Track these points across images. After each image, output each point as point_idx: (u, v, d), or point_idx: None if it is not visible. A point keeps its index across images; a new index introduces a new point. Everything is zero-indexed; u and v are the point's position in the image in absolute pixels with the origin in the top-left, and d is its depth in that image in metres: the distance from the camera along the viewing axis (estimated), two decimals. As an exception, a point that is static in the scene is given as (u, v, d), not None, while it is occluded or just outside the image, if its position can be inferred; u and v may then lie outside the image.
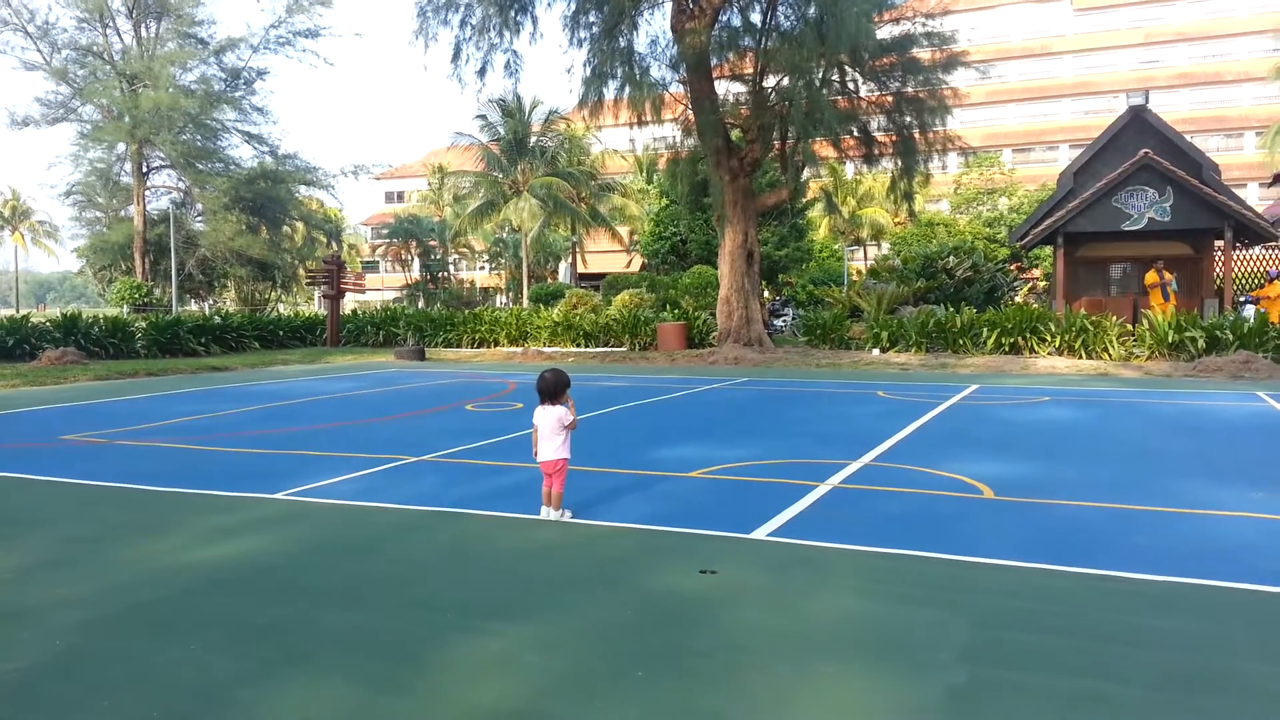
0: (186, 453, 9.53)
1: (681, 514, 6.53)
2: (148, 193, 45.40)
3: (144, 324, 25.87)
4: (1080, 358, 19.92)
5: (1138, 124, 25.90)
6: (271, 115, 48.79)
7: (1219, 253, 25.92)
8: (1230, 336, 18.88)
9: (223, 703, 3.57)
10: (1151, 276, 23.33)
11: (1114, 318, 20.94)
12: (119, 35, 44.34)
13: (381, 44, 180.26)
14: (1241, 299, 24.60)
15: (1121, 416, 11.70)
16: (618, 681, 3.73)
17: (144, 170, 44.78)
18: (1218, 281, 25.86)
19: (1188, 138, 27.89)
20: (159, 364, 22.06)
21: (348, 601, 4.77)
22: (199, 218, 47.76)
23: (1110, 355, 19.75)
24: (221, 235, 44.26)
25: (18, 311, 34.83)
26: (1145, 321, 20.40)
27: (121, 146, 44.28)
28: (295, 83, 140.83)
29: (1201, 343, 19.00)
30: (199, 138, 44.96)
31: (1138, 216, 24.40)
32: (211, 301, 51.24)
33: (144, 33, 44.54)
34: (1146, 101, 26.72)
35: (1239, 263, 28.96)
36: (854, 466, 8.22)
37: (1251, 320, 19.69)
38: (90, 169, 45.73)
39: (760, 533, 5.98)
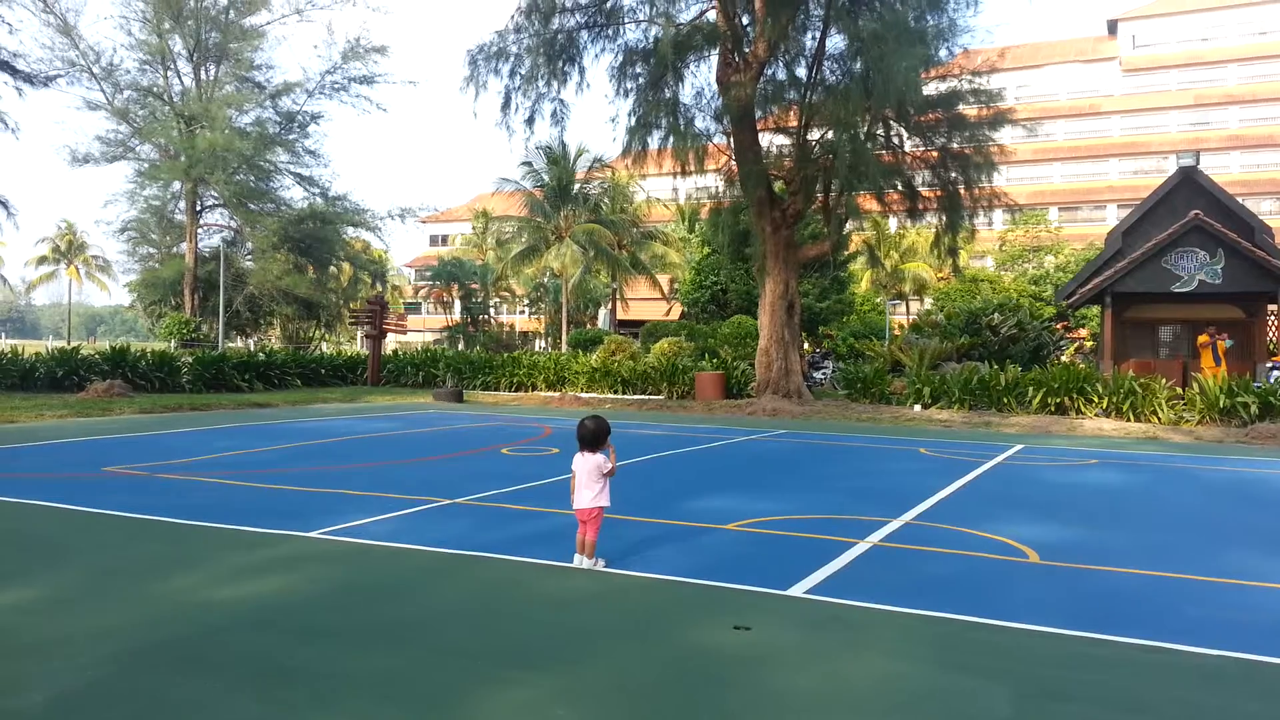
0: (225, 488, 9.58)
1: (717, 567, 6.41)
2: (200, 231, 46.44)
3: (190, 359, 26.30)
4: (1128, 420, 19.48)
5: (1188, 185, 25.60)
6: (323, 158, 49.99)
7: (1273, 317, 25.38)
8: (1285, 403, 18.38)
9: (245, 745, 3.51)
10: (1205, 338, 22.81)
11: (1163, 380, 20.48)
12: (179, 77, 45.78)
13: (432, 90, 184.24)
14: (1269, 365, 23.85)
15: (1172, 482, 11.40)
16: (646, 740, 3.62)
17: (197, 209, 45.84)
18: (1271, 346, 25.28)
19: (1239, 200, 27.49)
20: (203, 399, 22.37)
21: (375, 645, 4.72)
22: (248, 256, 48.71)
23: (1159, 419, 19.30)
24: (270, 274, 45.10)
25: (69, 343, 35.56)
26: (1196, 385, 19.93)
27: (177, 185, 45.42)
28: (347, 125, 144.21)
29: (1255, 408, 18.52)
30: (252, 178, 45.99)
31: (1188, 278, 24.01)
32: (257, 338, 52.02)
33: (204, 75, 45.89)
34: (1197, 163, 26.42)
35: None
36: (895, 524, 8.04)
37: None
38: (145, 206, 46.88)
39: (797, 589, 5.84)
